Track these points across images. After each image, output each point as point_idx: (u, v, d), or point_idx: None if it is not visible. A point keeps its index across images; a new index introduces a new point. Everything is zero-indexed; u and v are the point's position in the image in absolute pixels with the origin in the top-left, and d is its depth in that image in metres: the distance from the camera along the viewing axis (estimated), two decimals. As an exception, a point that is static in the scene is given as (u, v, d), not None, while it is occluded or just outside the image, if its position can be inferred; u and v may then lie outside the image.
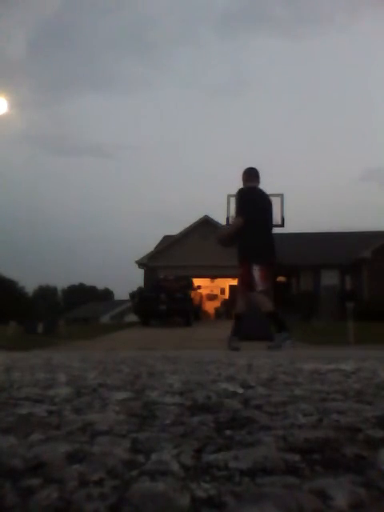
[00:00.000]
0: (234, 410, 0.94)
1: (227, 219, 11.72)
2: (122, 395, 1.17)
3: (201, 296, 20.34)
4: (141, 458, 0.61)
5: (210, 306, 24.14)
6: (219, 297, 25.92)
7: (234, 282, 25.15)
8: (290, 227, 13.49)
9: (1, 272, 47.83)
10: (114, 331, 14.41)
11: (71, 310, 45.45)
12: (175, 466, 0.57)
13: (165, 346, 8.33)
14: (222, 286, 26.13)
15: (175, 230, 26.82)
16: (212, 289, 26.15)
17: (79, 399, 1.14)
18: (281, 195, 11.90)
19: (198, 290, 19.47)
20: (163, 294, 16.10)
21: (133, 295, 18.60)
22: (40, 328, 13.53)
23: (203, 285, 22.17)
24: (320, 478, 0.53)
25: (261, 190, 5.63)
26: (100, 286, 72.46)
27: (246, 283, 5.29)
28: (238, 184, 5.69)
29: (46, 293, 67.23)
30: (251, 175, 5.63)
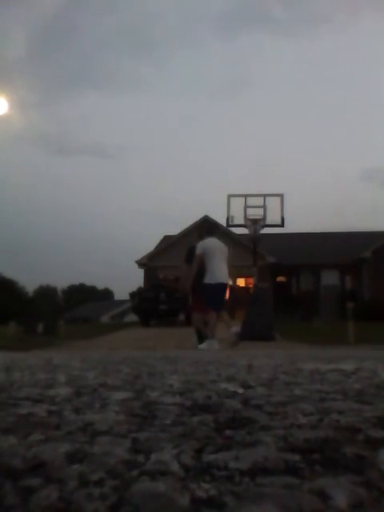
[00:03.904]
0: (233, 410, 0.94)
1: (227, 219, 11.72)
2: (122, 395, 1.17)
3: None
4: (141, 457, 0.61)
5: (210, 306, 24.07)
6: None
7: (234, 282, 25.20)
8: (290, 227, 13.47)
9: (1, 272, 47.92)
10: (114, 331, 14.40)
11: (71, 310, 45.39)
12: (175, 466, 0.57)
13: (165, 345, 8.33)
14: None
15: (175, 229, 26.83)
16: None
17: (79, 399, 1.14)
18: (281, 195, 11.91)
19: None
20: (163, 293, 16.10)
21: (133, 295, 18.59)
22: (40, 328, 13.52)
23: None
24: (320, 478, 0.53)
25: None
26: (100, 285, 72.33)
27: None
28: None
29: (46, 293, 67.13)
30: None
